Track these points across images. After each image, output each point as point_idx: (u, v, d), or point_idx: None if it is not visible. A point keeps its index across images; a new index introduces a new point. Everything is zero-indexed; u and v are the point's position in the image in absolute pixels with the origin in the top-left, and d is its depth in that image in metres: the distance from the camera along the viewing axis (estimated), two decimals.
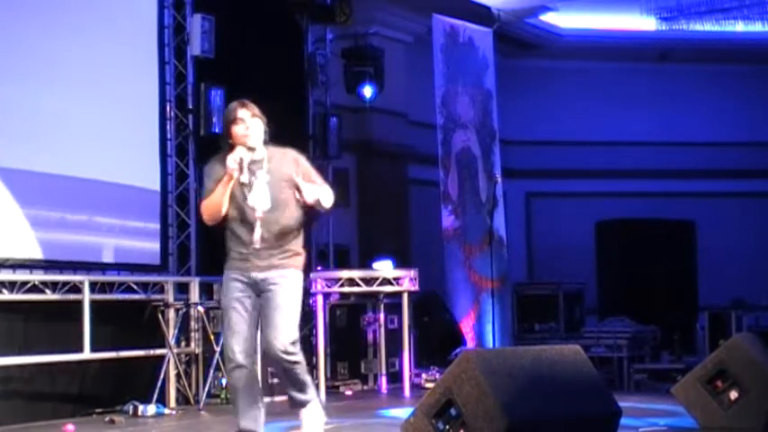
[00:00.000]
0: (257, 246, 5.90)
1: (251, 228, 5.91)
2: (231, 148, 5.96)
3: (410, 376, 10.85)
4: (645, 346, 13.00)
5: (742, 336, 8.14)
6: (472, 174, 13.75)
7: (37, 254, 8.86)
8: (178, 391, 9.89)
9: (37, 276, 8.78)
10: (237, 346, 5.89)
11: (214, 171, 6.00)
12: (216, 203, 5.90)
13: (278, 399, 10.02)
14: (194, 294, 10.19)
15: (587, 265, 15.26)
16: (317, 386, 10.50)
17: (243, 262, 5.95)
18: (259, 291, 5.96)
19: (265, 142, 6.08)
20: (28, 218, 8.81)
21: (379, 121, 13.80)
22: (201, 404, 9.64)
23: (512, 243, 14.73)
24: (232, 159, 5.86)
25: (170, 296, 9.93)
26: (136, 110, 10.01)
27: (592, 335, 12.97)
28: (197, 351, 10.08)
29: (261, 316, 5.97)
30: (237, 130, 6.00)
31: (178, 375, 9.87)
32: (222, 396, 9.80)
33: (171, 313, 9.84)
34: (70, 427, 8.03)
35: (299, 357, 5.96)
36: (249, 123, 6.02)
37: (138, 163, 10.03)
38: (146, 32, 10.19)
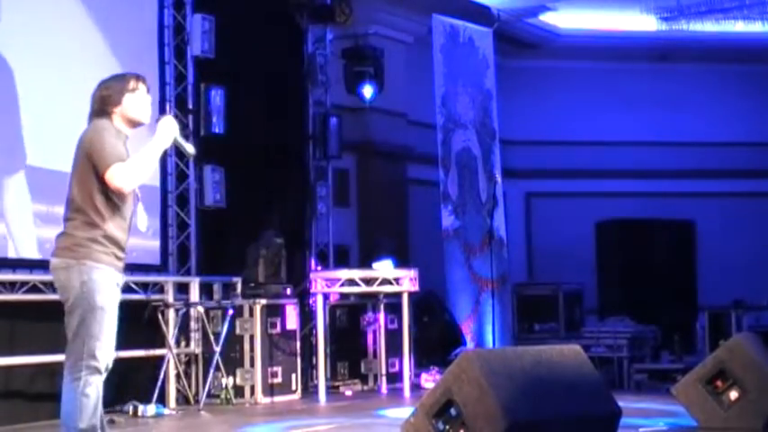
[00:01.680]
0: (126, 239, 5.09)
1: (127, 219, 5.10)
2: (108, 116, 5.07)
3: (410, 376, 10.85)
4: (645, 346, 12.99)
5: (742, 336, 8.15)
6: (472, 174, 13.75)
7: (36, 253, 8.87)
8: (178, 391, 9.90)
9: (37, 276, 8.78)
10: (110, 356, 5.12)
11: (113, 135, 5.02)
12: (151, 170, 5.09)
13: (277, 399, 10.03)
14: (194, 294, 10.20)
15: (587, 265, 15.25)
16: (317, 386, 10.53)
17: (116, 259, 5.06)
18: None
19: None
20: (28, 216, 8.82)
21: (379, 121, 13.79)
22: (201, 404, 9.65)
23: (512, 243, 14.73)
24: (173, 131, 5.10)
25: (170, 296, 9.94)
26: None
27: (592, 335, 12.96)
28: (197, 351, 10.08)
29: None
30: (139, 101, 5.11)
31: (178, 375, 9.87)
32: (222, 396, 9.81)
33: (171, 313, 9.85)
34: None
35: None
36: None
37: None
38: (146, 32, 10.19)
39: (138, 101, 5.13)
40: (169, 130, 5.11)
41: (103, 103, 5.09)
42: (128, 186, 4.96)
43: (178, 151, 10.38)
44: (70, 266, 5.03)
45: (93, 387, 5.14)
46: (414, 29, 14.21)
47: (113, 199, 4.99)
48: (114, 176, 4.90)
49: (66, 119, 9.21)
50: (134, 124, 5.15)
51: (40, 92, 9.00)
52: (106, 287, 5.04)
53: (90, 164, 4.95)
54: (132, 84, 5.12)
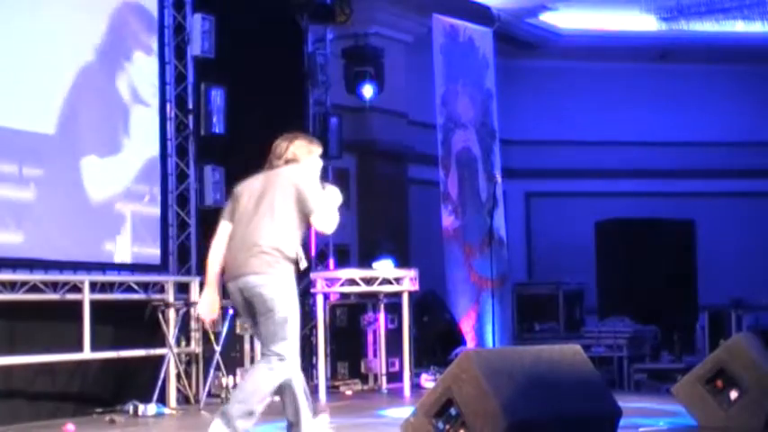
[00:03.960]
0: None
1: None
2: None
3: (410, 376, 10.85)
4: (645, 345, 13.01)
5: (742, 336, 8.15)
6: (472, 174, 13.75)
7: (37, 253, 8.87)
8: (178, 390, 9.89)
9: (37, 276, 8.79)
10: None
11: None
12: None
13: (277, 399, 10.03)
14: (194, 294, 10.18)
15: (587, 265, 15.25)
16: (317, 386, 10.53)
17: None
18: None
19: None
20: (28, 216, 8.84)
21: (379, 121, 13.79)
22: (202, 404, 9.65)
23: (512, 243, 14.73)
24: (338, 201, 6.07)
25: (170, 296, 9.94)
26: (136, 108, 10.03)
27: (592, 335, 12.98)
28: (197, 351, 10.08)
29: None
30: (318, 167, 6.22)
31: (178, 375, 9.87)
32: (223, 396, 9.80)
33: (171, 313, 9.84)
34: (70, 426, 8.03)
35: None
36: None
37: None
38: (146, 32, 10.20)
39: (317, 165, 6.20)
40: (336, 200, 6.02)
41: (295, 157, 6.07)
42: (330, 231, 6.06)
43: (178, 151, 10.45)
44: (273, 283, 5.84)
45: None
46: (414, 29, 14.22)
47: (298, 231, 5.94)
48: (322, 221, 5.92)
49: (59, 122, 9.23)
50: None
51: (32, 91, 8.98)
52: (295, 295, 5.93)
53: (297, 201, 5.89)
54: (318, 149, 6.20)
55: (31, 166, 8.86)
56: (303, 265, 6.02)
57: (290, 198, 5.88)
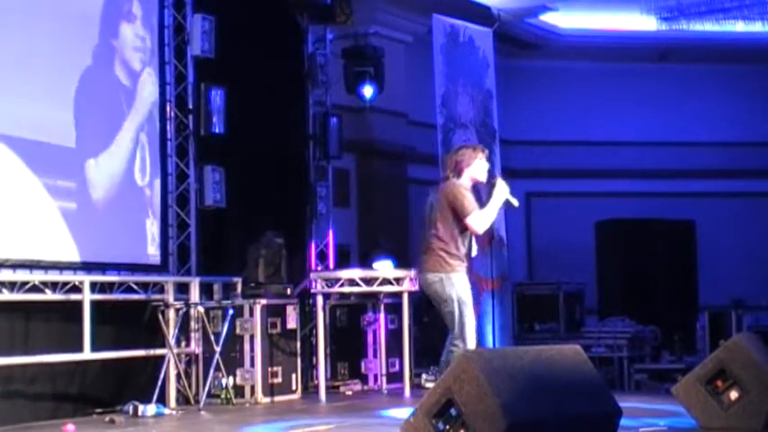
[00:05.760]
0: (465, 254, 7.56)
1: (465, 243, 7.54)
2: (459, 175, 7.65)
3: (410, 376, 10.84)
4: (645, 345, 13.02)
5: (742, 336, 8.14)
6: None
7: (37, 254, 8.87)
8: (178, 391, 9.90)
9: (37, 276, 8.79)
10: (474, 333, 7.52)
11: (468, 191, 7.58)
12: (492, 220, 7.59)
13: (277, 399, 10.04)
14: (194, 294, 10.19)
15: (587, 265, 15.26)
16: (317, 386, 10.53)
17: (464, 266, 7.51)
18: None
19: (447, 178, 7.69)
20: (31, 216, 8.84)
21: (379, 121, 13.79)
22: (201, 404, 9.65)
23: (512, 243, 14.72)
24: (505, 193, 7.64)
25: (170, 296, 9.94)
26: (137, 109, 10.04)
27: (592, 335, 12.98)
28: (197, 351, 10.08)
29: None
30: (482, 167, 7.65)
31: (178, 375, 9.88)
32: (222, 396, 9.81)
33: (171, 313, 9.84)
34: (70, 426, 8.03)
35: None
36: None
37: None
38: (146, 32, 10.21)
39: (482, 167, 7.62)
40: (503, 192, 7.57)
41: (458, 166, 7.59)
42: (482, 231, 7.54)
43: (178, 151, 10.46)
44: (443, 279, 7.41)
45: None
46: (414, 29, 14.21)
47: (462, 232, 7.46)
48: (474, 223, 7.46)
49: (55, 120, 9.24)
50: (474, 182, 7.66)
51: (29, 94, 8.98)
52: (466, 286, 7.46)
53: (451, 210, 7.43)
54: (480, 154, 7.62)
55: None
56: (474, 252, 7.62)
57: (448, 206, 7.43)
